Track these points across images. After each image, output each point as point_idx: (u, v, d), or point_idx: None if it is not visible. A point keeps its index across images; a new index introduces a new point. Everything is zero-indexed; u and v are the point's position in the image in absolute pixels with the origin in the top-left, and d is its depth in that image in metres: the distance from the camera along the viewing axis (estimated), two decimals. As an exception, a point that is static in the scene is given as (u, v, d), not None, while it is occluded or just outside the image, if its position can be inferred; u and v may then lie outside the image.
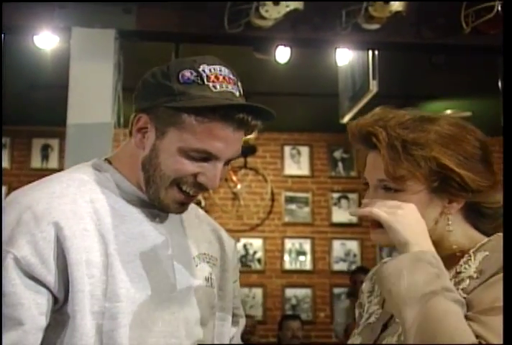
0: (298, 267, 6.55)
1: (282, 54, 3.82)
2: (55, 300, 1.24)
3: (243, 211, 6.60)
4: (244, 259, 6.51)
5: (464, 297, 1.12)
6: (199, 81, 1.26)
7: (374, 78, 3.55)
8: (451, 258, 1.21)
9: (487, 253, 1.18)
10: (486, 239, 1.23)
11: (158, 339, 1.30)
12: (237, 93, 1.29)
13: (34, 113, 5.78)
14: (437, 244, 1.18)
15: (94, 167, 1.38)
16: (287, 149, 6.75)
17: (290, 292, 6.49)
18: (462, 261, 1.21)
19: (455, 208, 1.23)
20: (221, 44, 3.53)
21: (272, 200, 6.65)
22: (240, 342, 1.59)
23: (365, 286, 1.43)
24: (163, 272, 1.33)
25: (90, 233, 1.27)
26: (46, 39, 3.61)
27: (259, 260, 6.53)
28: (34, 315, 1.21)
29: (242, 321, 1.60)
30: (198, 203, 6.51)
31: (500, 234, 1.22)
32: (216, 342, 1.46)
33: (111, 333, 1.24)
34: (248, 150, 5.62)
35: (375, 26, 3.31)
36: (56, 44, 3.64)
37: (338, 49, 3.85)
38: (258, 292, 6.46)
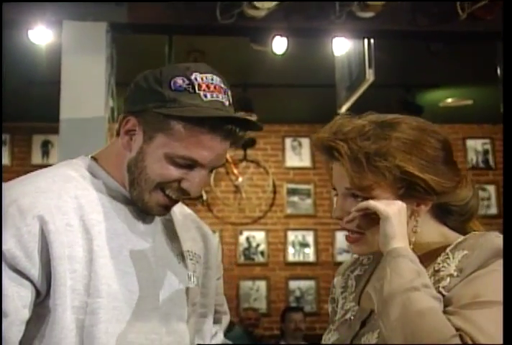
0: (301, 258, 6.54)
1: (279, 45, 3.79)
2: (38, 293, 1.25)
3: (245, 204, 6.60)
4: (247, 252, 6.51)
5: (445, 295, 1.13)
6: (190, 89, 1.28)
7: (370, 67, 3.51)
8: (426, 257, 1.22)
9: (466, 252, 1.19)
10: (462, 238, 1.24)
11: (138, 335, 1.30)
12: (227, 103, 1.31)
13: (34, 110, 5.77)
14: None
15: (80, 163, 1.39)
16: (288, 140, 6.73)
17: (293, 284, 6.49)
18: (439, 260, 1.22)
19: (423, 211, 1.24)
20: (214, 35, 3.52)
21: (274, 192, 6.65)
22: (223, 339, 1.60)
23: (337, 281, 1.43)
24: (145, 269, 1.33)
25: (74, 229, 1.27)
26: (40, 34, 3.58)
27: (262, 253, 6.53)
28: (18, 307, 1.22)
29: (225, 318, 1.61)
30: (200, 197, 6.49)
31: (476, 233, 1.26)
32: (196, 339, 1.47)
33: (91, 328, 1.25)
34: (247, 142, 5.60)
35: (369, 14, 3.28)
36: (51, 38, 3.61)
37: (334, 39, 3.81)
38: (262, 284, 6.46)
